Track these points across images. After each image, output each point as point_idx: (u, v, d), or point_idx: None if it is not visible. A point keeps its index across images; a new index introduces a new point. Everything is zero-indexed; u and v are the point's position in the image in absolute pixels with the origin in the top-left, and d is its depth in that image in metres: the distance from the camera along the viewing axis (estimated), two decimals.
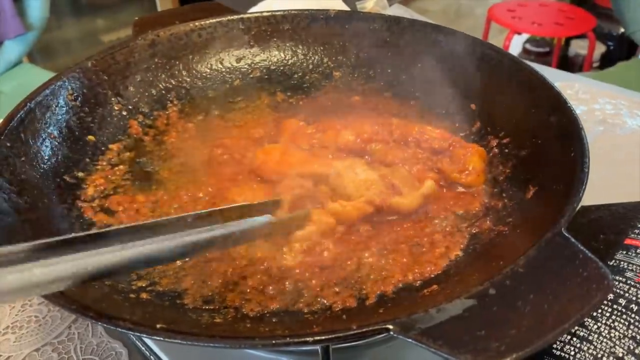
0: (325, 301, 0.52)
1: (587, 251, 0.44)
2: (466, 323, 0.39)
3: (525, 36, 3.15)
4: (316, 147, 0.71)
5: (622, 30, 3.03)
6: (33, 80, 0.69)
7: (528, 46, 3.24)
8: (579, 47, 3.16)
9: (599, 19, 2.85)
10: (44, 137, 0.66)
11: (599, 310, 0.54)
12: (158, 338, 0.40)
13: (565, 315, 0.38)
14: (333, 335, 0.40)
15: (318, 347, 0.53)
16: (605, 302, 0.55)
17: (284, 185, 0.63)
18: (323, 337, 0.39)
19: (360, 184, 0.61)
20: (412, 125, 0.72)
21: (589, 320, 0.54)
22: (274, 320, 0.50)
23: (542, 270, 0.43)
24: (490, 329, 0.38)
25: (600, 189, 0.74)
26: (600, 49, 3.10)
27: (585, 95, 1.20)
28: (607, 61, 3.06)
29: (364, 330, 0.40)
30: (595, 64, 3.07)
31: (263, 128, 0.78)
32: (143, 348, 0.64)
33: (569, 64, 3.12)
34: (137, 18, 0.90)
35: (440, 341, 0.38)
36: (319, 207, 0.61)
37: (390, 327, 0.39)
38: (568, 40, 3.17)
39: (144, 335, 0.40)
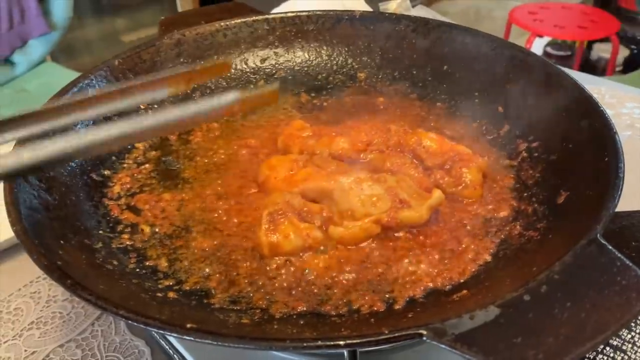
0: (352, 304, 0.52)
1: (625, 259, 0.43)
2: (501, 330, 0.39)
3: (546, 39, 3.11)
4: (308, 153, 0.69)
5: None
6: (56, 79, 0.70)
7: (549, 49, 3.20)
8: (601, 51, 3.12)
9: (622, 22, 2.81)
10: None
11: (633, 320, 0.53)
12: (188, 338, 0.39)
13: (604, 324, 0.37)
14: (364, 340, 0.39)
15: (345, 350, 0.53)
16: None
17: (270, 199, 0.61)
18: (355, 341, 0.39)
19: (366, 200, 0.59)
20: (411, 134, 0.69)
21: (623, 329, 0.52)
22: (301, 322, 0.49)
23: (578, 278, 0.42)
24: (526, 337, 0.37)
25: (628, 195, 0.73)
26: (623, 52, 3.05)
27: (612, 99, 1.18)
28: (630, 65, 3.01)
29: (396, 335, 0.39)
30: (618, 68, 3.02)
31: (285, 129, 0.78)
32: (167, 347, 0.64)
33: (591, 68, 3.08)
34: (162, 18, 0.90)
35: (475, 348, 0.37)
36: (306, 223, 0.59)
37: (424, 332, 0.39)
38: (590, 44, 3.13)
39: (174, 335, 0.40)
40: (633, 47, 3.11)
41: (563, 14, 2.86)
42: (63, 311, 0.73)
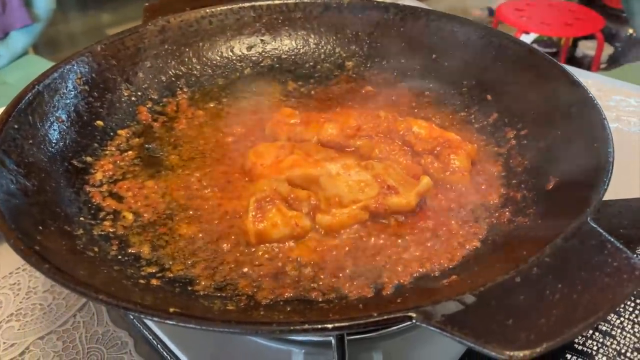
0: (340, 290, 0.51)
1: (615, 241, 0.42)
2: (492, 312, 0.38)
3: (532, 36, 3.13)
4: (296, 140, 0.68)
5: (630, 31, 3.02)
6: (39, 71, 0.68)
7: (535, 46, 3.22)
8: (586, 48, 3.15)
9: (607, 20, 2.83)
10: (52, 120, 0.65)
11: (622, 305, 0.53)
12: (171, 323, 0.38)
13: (596, 305, 0.37)
14: (353, 322, 0.38)
15: (332, 338, 0.52)
16: None
17: (257, 186, 0.60)
18: (343, 324, 0.38)
19: (354, 186, 0.59)
20: (400, 120, 0.69)
21: (612, 315, 0.52)
22: (288, 309, 0.48)
23: (569, 260, 0.42)
24: (518, 318, 0.37)
25: (615, 185, 0.73)
26: (608, 50, 3.08)
27: (598, 92, 1.18)
28: (614, 62, 3.04)
29: (385, 317, 0.38)
30: (603, 65, 3.05)
31: (273, 117, 0.77)
32: (150, 337, 0.62)
33: (576, 65, 3.09)
34: (147, 4, 0.88)
35: (465, 330, 0.36)
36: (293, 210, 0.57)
37: (413, 315, 0.38)
38: (575, 41, 3.16)
39: (157, 319, 0.38)
40: (617, 44, 3.14)
41: (549, 11, 2.88)
42: (44, 302, 0.71)
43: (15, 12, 1.94)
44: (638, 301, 0.53)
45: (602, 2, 3.29)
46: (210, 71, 0.85)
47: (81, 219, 0.57)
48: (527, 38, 3.11)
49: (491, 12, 3.51)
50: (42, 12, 2.03)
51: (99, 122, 0.71)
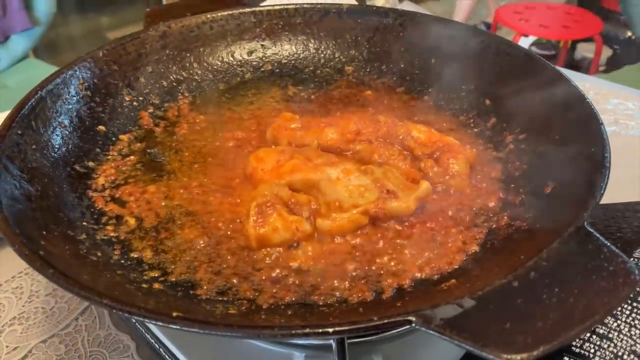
0: (340, 294, 0.51)
1: (611, 246, 0.43)
2: (490, 316, 0.39)
3: (531, 39, 3.14)
4: (297, 144, 0.69)
5: (629, 33, 3.03)
6: (39, 75, 0.69)
7: (534, 49, 3.23)
8: (585, 51, 3.16)
9: (605, 23, 2.85)
10: (54, 125, 0.65)
11: (619, 308, 0.53)
12: (175, 327, 0.39)
13: (592, 308, 0.37)
14: (354, 327, 0.39)
15: (332, 341, 0.52)
16: None
17: (258, 190, 0.61)
18: (344, 328, 0.38)
19: (354, 190, 0.59)
20: (400, 124, 0.69)
21: (609, 318, 0.53)
22: (288, 313, 0.49)
23: (566, 264, 0.42)
24: (515, 322, 0.37)
25: (613, 189, 0.74)
26: (606, 52, 3.09)
27: (596, 95, 1.19)
28: (613, 65, 3.05)
29: (386, 321, 0.39)
30: (602, 68, 3.06)
31: (274, 121, 0.77)
32: (152, 340, 0.63)
33: (574, 67, 3.11)
34: (148, 9, 0.89)
35: (464, 333, 0.37)
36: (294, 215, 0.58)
37: (412, 318, 0.38)
38: (574, 44, 3.17)
39: (160, 324, 0.39)
40: (616, 47, 3.15)
41: (548, 14, 2.89)
42: (46, 306, 0.71)
43: (16, 16, 1.95)
44: (635, 304, 0.53)
45: (600, 4, 3.30)
46: (211, 76, 0.85)
47: (84, 223, 0.58)
48: (526, 41, 3.12)
49: (488, 26, 3.52)
50: (42, 15, 2.04)
51: (101, 127, 0.71)
